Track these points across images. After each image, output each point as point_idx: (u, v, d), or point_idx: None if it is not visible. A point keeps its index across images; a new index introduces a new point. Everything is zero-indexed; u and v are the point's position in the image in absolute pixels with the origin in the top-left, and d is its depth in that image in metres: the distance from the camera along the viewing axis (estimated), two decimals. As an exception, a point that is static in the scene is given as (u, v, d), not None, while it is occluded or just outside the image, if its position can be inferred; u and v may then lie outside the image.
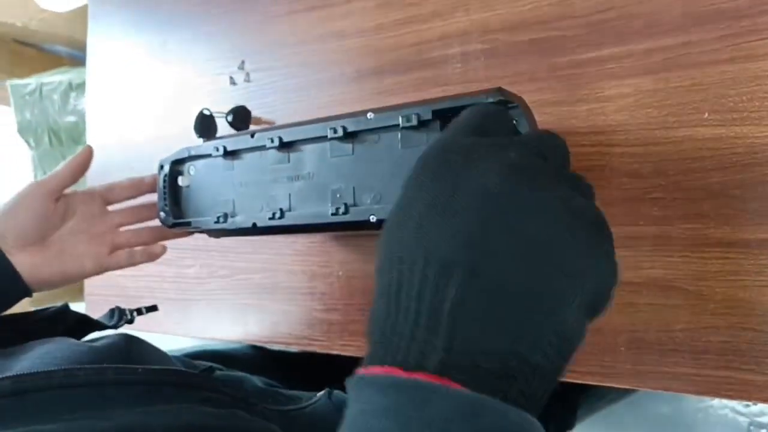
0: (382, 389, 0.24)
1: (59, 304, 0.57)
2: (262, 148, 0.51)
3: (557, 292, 0.25)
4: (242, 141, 0.52)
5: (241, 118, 0.66)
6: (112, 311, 0.62)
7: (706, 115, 0.43)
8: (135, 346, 0.51)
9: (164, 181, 0.58)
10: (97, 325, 0.60)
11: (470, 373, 0.24)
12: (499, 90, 0.37)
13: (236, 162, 0.53)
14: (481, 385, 0.24)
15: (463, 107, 0.38)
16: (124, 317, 0.62)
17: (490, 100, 0.37)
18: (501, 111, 0.33)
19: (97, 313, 0.85)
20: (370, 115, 0.43)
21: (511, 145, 0.28)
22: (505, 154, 0.27)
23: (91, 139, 0.89)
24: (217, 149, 0.53)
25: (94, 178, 0.74)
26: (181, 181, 0.58)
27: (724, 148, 0.42)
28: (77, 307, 0.90)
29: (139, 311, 0.63)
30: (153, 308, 0.65)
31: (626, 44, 0.46)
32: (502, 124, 0.32)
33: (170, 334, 0.76)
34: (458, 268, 0.25)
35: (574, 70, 0.48)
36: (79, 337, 0.56)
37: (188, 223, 0.58)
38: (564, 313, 0.25)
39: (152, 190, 0.61)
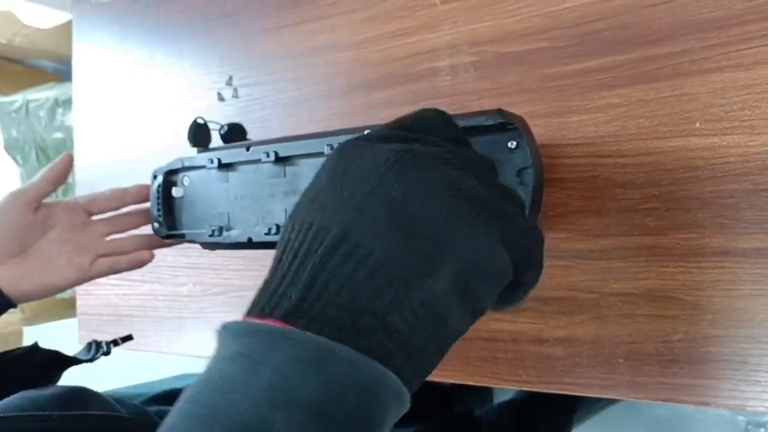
0: (236, 336, 0.25)
1: (28, 344, 0.56)
2: (258, 161, 0.50)
3: (425, 259, 0.25)
4: (237, 154, 0.52)
5: (235, 136, 0.65)
6: (89, 344, 0.61)
7: (698, 124, 0.43)
8: (81, 395, 0.50)
9: (158, 191, 0.58)
10: (71, 361, 0.59)
11: (318, 321, 0.24)
12: (500, 111, 0.37)
13: (231, 174, 0.53)
14: (328, 334, 0.24)
15: (465, 127, 0.37)
16: (101, 350, 0.61)
17: (490, 122, 0.37)
18: (430, 115, 0.32)
19: (89, 333, 0.84)
20: (367, 132, 0.43)
21: (422, 138, 0.29)
22: (411, 143, 0.28)
23: (79, 155, 0.88)
24: (212, 161, 0.53)
25: (83, 193, 0.73)
26: (174, 191, 0.58)
27: (716, 158, 0.42)
28: (72, 323, 0.89)
29: (115, 342, 0.62)
30: (128, 338, 0.65)
31: (615, 54, 0.46)
32: (430, 125, 0.32)
33: (164, 353, 0.75)
34: (333, 230, 0.26)
35: (564, 81, 0.48)
36: (52, 376, 0.56)
37: (182, 235, 0.57)
38: (430, 281, 0.25)
39: (136, 201, 0.60)
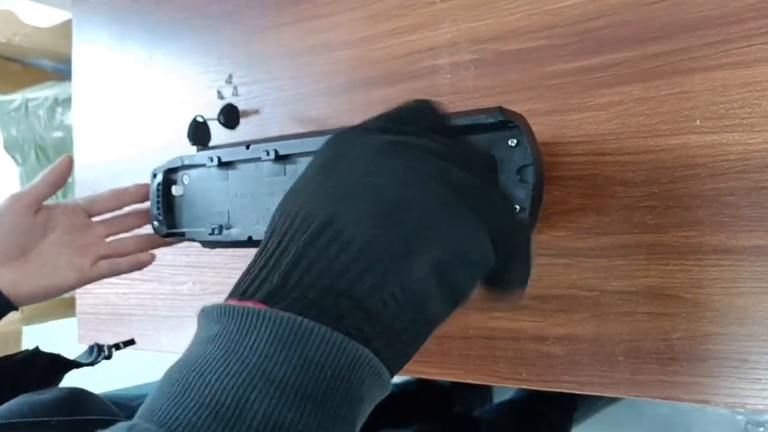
0: (215, 318, 0.25)
1: (29, 348, 0.56)
2: (258, 159, 0.50)
3: (405, 245, 0.26)
4: (237, 152, 0.52)
5: (231, 117, 0.65)
6: (91, 348, 0.61)
7: (698, 122, 0.42)
8: (80, 399, 0.51)
9: (158, 190, 0.58)
10: (72, 365, 0.59)
11: (298, 304, 0.24)
12: (500, 109, 0.37)
13: (231, 172, 0.53)
14: (308, 317, 0.24)
15: (466, 125, 0.37)
16: (102, 353, 0.61)
17: (490, 120, 0.37)
18: (423, 106, 0.33)
19: (88, 331, 0.84)
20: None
21: (414, 129, 0.30)
22: (398, 135, 0.29)
23: (78, 154, 0.88)
24: (212, 159, 0.53)
25: (83, 193, 0.73)
26: (174, 190, 0.58)
27: (716, 155, 0.42)
28: (71, 322, 0.89)
29: (117, 346, 0.62)
30: (130, 342, 0.65)
31: (615, 52, 0.46)
32: (422, 117, 0.33)
33: (163, 352, 0.75)
34: (318, 218, 0.26)
35: (565, 79, 0.48)
36: (53, 379, 0.56)
37: (182, 234, 0.57)
38: (410, 267, 0.26)
39: (135, 201, 0.60)
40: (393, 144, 0.28)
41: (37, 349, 0.56)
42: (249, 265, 0.27)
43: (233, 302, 0.25)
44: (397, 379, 1.08)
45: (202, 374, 0.22)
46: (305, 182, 0.29)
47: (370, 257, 0.25)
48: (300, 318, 0.23)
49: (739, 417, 1.08)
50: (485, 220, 0.28)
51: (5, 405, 0.46)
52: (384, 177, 0.26)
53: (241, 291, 0.26)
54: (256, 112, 0.68)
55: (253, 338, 0.23)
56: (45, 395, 0.49)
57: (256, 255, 0.28)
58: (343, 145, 0.29)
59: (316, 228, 0.26)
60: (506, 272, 0.29)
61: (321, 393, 0.23)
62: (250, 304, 0.24)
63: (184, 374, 0.23)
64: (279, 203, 0.29)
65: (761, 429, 1.07)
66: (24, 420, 0.43)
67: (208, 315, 0.25)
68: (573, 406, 1.10)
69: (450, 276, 0.27)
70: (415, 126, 0.30)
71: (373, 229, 0.25)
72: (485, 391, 1.19)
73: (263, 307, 0.24)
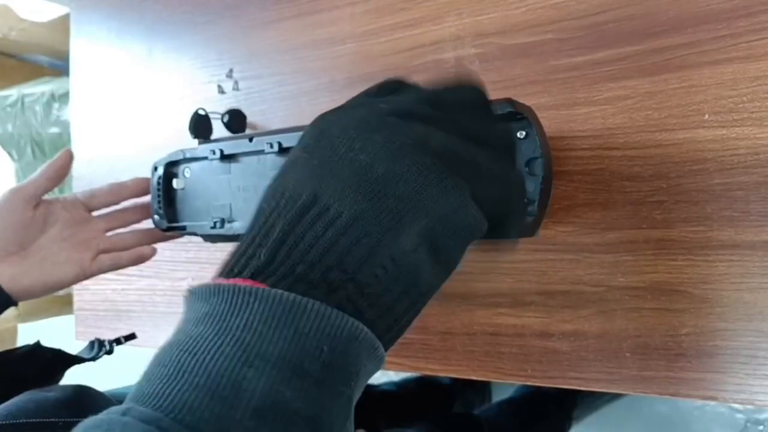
0: (204, 297, 0.25)
1: (30, 343, 0.55)
2: (261, 152, 0.50)
3: (392, 218, 0.26)
4: (240, 145, 0.51)
5: (236, 121, 0.64)
6: (92, 343, 0.61)
7: (707, 116, 0.42)
8: (86, 398, 0.50)
9: (158, 183, 0.57)
10: (74, 360, 0.58)
11: (287, 278, 0.24)
12: (509, 101, 0.37)
13: (233, 165, 0.52)
14: (297, 291, 0.24)
15: None
16: (104, 348, 0.60)
17: (499, 111, 0.37)
18: (397, 79, 0.33)
19: (86, 328, 0.83)
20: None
21: (388, 100, 0.30)
22: (375, 106, 0.29)
23: (76, 150, 0.87)
24: (214, 152, 0.52)
25: (81, 189, 0.72)
26: (175, 183, 0.57)
27: (725, 150, 0.41)
28: (68, 319, 0.88)
29: (118, 341, 0.62)
30: (131, 337, 0.64)
31: (622, 46, 0.46)
32: (399, 87, 0.33)
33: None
34: (303, 196, 0.26)
35: (571, 73, 0.48)
36: (54, 375, 0.55)
37: (183, 227, 0.57)
38: (399, 238, 0.26)
39: (135, 195, 0.60)
40: (371, 117, 0.28)
41: (38, 344, 0.55)
42: (235, 246, 0.27)
43: (221, 281, 0.25)
44: (397, 378, 1.07)
45: (194, 354, 0.22)
46: (289, 165, 0.29)
47: (358, 231, 0.25)
48: (292, 294, 0.23)
49: (739, 415, 1.08)
50: (471, 186, 0.28)
51: (10, 402, 0.45)
52: (365, 152, 0.27)
53: (228, 269, 0.26)
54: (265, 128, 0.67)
55: (245, 316, 0.23)
56: (51, 393, 0.48)
57: (242, 236, 0.28)
58: (324, 126, 0.29)
59: (302, 205, 0.26)
60: (503, 224, 0.30)
61: (318, 369, 0.22)
62: (238, 282, 0.24)
63: (176, 355, 0.22)
64: (266, 186, 0.29)
65: (761, 427, 1.07)
66: (30, 420, 0.43)
67: (196, 295, 0.25)
68: (573, 404, 1.10)
69: (439, 244, 0.27)
70: (391, 95, 0.31)
71: (358, 204, 0.25)
72: (485, 389, 1.19)
73: (252, 284, 0.24)
